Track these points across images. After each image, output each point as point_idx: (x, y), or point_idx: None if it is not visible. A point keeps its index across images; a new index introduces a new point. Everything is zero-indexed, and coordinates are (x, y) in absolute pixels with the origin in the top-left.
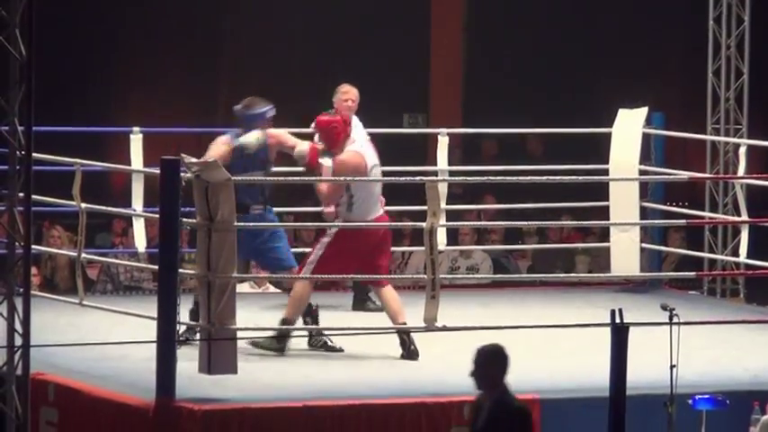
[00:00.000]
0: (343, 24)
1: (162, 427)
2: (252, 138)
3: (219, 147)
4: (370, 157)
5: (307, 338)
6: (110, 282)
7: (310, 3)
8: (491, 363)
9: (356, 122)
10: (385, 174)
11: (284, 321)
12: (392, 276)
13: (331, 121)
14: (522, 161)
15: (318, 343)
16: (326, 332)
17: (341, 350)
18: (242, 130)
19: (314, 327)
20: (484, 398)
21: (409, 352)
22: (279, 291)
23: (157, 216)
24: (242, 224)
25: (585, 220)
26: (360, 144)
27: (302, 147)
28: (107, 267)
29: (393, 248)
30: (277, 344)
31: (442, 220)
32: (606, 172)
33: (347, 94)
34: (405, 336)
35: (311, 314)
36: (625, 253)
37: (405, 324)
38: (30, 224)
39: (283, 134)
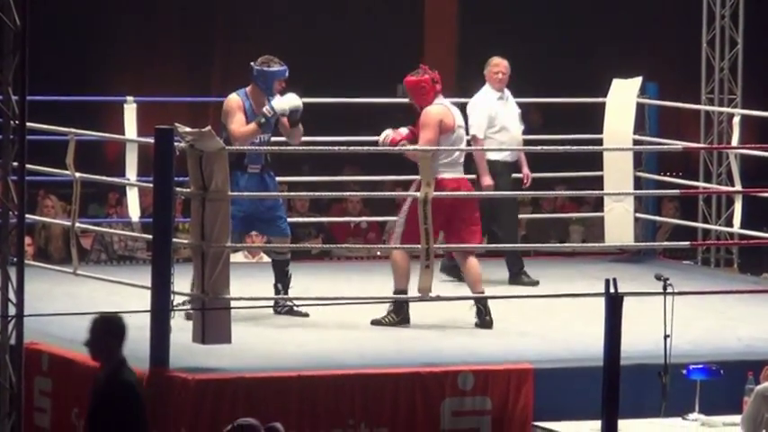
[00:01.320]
0: None
1: (156, 396)
2: (286, 103)
3: (240, 117)
4: (458, 116)
5: (272, 304)
6: (104, 251)
7: None
8: (107, 332)
9: (507, 94)
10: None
11: (397, 293)
12: (387, 246)
13: (419, 81)
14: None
15: (283, 309)
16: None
17: (306, 315)
18: (254, 87)
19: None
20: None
21: (483, 321)
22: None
23: (151, 185)
24: (236, 194)
25: (579, 190)
26: (448, 102)
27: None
28: (101, 237)
29: (387, 218)
30: (396, 317)
31: None
32: (600, 142)
33: (497, 67)
34: (481, 304)
35: (284, 280)
36: (619, 223)
37: (483, 293)
38: (24, 194)
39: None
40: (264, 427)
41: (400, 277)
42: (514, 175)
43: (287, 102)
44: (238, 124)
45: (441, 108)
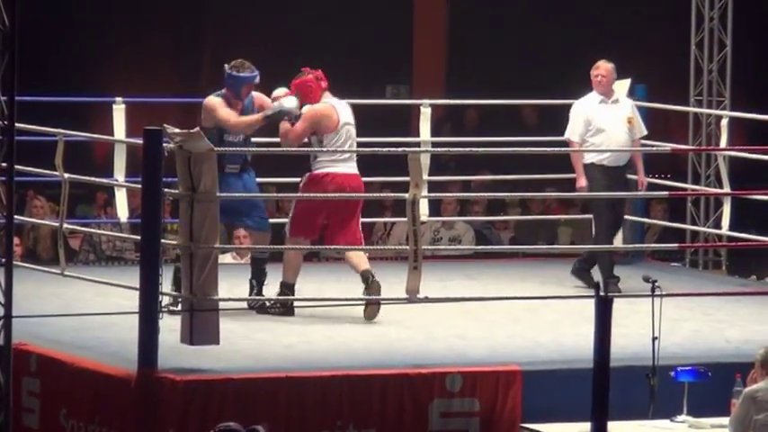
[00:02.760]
0: None
1: (144, 397)
2: (292, 103)
3: (225, 108)
4: (344, 114)
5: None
6: (92, 252)
7: None
8: None
9: (617, 97)
10: (368, 144)
11: (284, 285)
12: (374, 248)
13: (304, 80)
14: (517, 132)
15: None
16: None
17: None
18: (226, 91)
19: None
20: None
21: (369, 286)
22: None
23: (140, 186)
24: (224, 194)
25: (568, 192)
26: (336, 101)
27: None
28: (89, 237)
29: (376, 219)
30: (282, 308)
31: (425, 192)
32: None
33: (597, 70)
34: (370, 274)
35: (260, 278)
36: None
37: (368, 270)
38: (12, 194)
39: (266, 99)
40: (246, 429)
41: (288, 270)
42: (630, 176)
43: (295, 105)
44: (232, 116)
45: (324, 106)
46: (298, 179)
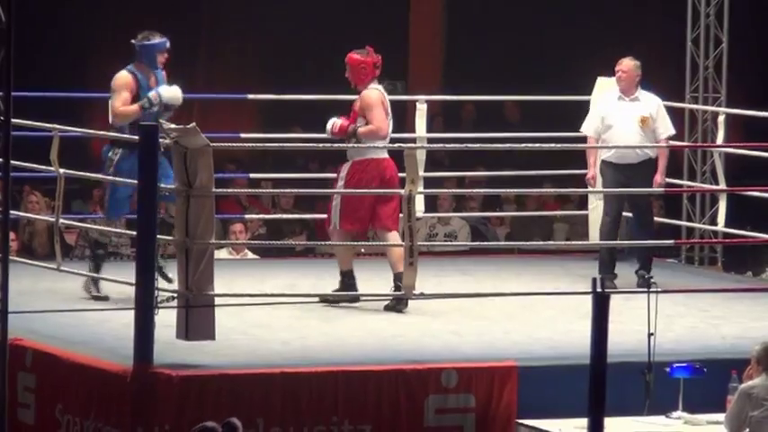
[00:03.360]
0: None
1: (139, 392)
2: (173, 93)
3: (125, 95)
4: (388, 102)
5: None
6: (88, 247)
7: None
8: None
9: (638, 94)
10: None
11: (344, 274)
12: (370, 243)
13: (361, 61)
14: (501, 128)
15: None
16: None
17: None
18: (138, 63)
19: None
20: None
21: (399, 301)
22: (257, 257)
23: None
24: (220, 190)
25: (564, 188)
26: (381, 88)
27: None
28: (85, 233)
29: None
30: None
31: (420, 187)
32: (585, 140)
33: (618, 66)
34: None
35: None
36: None
37: (401, 273)
38: (8, 189)
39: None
40: (221, 423)
41: (344, 258)
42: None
43: (173, 93)
44: (122, 102)
45: (378, 92)
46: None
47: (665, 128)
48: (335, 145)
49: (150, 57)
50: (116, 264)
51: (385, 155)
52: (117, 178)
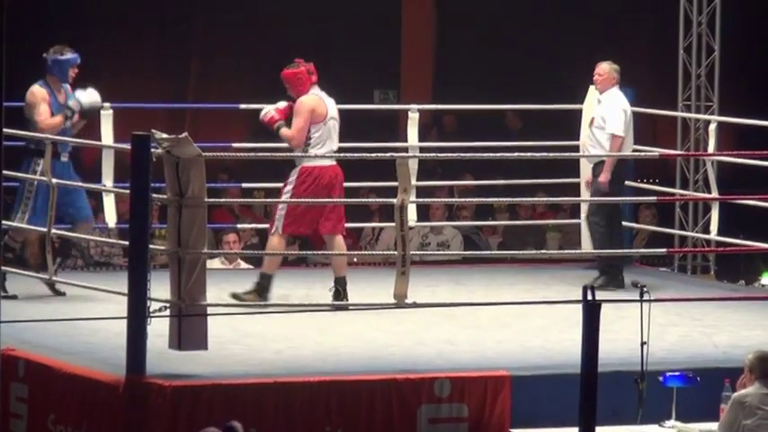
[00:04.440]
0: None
1: (132, 403)
2: (92, 97)
3: (45, 107)
4: (331, 107)
5: None
6: (80, 257)
7: None
8: None
9: (604, 97)
10: (356, 150)
11: (262, 276)
12: (363, 252)
13: (296, 72)
14: (495, 137)
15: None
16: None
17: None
18: (50, 76)
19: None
20: None
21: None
22: (250, 267)
23: (128, 192)
24: (212, 200)
25: (556, 197)
26: (324, 95)
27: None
28: (77, 243)
29: (363, 225)
30: (258, 297)
31: (413, 197)
32: (577, 149)
33: (595, 69)
34: (340, 287)
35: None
36: None
37: (344, 278)
38: (1, 199)
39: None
40: (222, 427)
41: (270, 260)
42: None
43: (93, 97)
44: (45, 115)
45: (314, 98)
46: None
47: (610, 126)
48: (326, 155)
49: (63, 71)
50: (108, 273)
51: (331, 162)
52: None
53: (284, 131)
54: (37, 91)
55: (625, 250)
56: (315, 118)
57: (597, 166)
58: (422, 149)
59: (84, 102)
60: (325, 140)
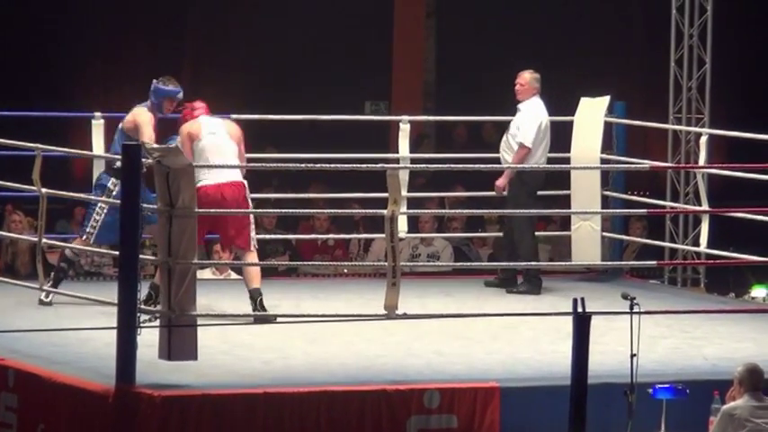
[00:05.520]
0: (305, 12)
1: (122, 413)
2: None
3: (150, 130)
4: (209, 125)
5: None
6: (71, 268)
7: None
8: None
9: (522, 107)
10: (347, 161)
11: (253, 292)
12: (353, 263)
13: (181, 118)
14: (482, 149)
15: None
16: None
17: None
18: (150, 102)
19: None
20: None
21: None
22: (240, 277)
23: (118, 202)
24: (203, 210)
25: (547, 209)
26: (207, 119)
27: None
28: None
29: (354, 236)
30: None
31: (403, 208)
32: (568, 160)
33: (517, 78)
34: (254, 300)
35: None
36: (586, 242)
37: (258, 289)
38: None
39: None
40: None
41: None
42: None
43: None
44: (152, 139)
45: (189, 122)
46: None
47: (521, 136)
48: (317, 166)
49: (158, 100)
50: (98, 284)
51: (219, 180)
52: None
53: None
54: (144, 113)
55: (609, 262)
56: (192, 137)
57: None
58: (413, 161)
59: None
60: (203, 156)
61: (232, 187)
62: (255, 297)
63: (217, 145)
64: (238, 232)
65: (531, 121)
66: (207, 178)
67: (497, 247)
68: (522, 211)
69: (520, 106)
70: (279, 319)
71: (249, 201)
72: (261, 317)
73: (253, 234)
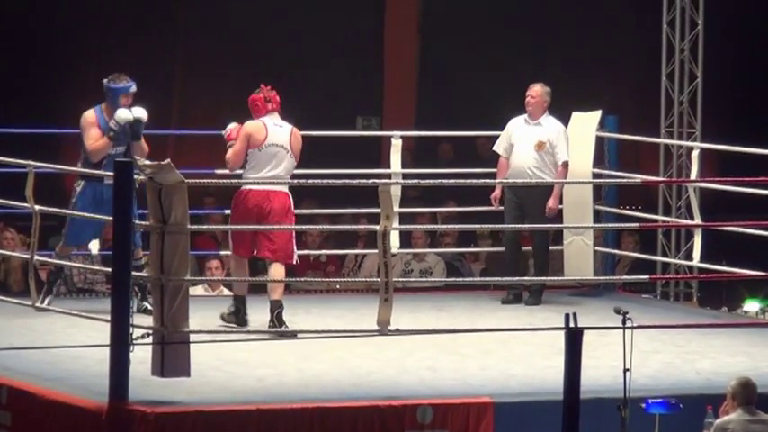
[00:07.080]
0: (296, 27)
1: (114, 430)
2: (128, 114)
3: (95, 132)
4: (274, 134)
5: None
6: (63, 284)
7: (264, 4)
8: None
9: (541, 120)
10: (339, 177)
11: (237, 298)
12: (346, 279)
13: (254, 98)
14: (475, 164)
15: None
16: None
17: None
18: (105, 104)
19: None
20: None
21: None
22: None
23: (111, 218)
24: (195, 227)
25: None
26: (274, 122)
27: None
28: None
29: (347, 251)
30: (235, 318)
31: (396, 224)
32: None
33: (529, 91)
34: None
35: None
36: (578, 256)
37: (278, 301)
38: None
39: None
40: None
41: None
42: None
43: (129, 113)
44: (93, 140)
45: (253, 123)
46: None
47: (562, 154)
48: (310, 181)
49: (114, 98)
50: (91, 300)
51: (264, 187)
52: (75, 211)
53: (228, 154)
54: (87, 115)
55: (601, 277)
56: (251, 143)
57: (538, 189)
58: (405, 176)
59: (119, 117)
60: (263, 166)
61: (280, 197)
62: (273, 310)
63: (275, 155)
64: (284, 244)
65: (564, 138)
66: (255, 185)
67: (491, 262)
68: (511, 225)
69: (541, 121)
70: (269, 336)
71: (293, 215)
72: (277, 332)
73: (295, 247)
